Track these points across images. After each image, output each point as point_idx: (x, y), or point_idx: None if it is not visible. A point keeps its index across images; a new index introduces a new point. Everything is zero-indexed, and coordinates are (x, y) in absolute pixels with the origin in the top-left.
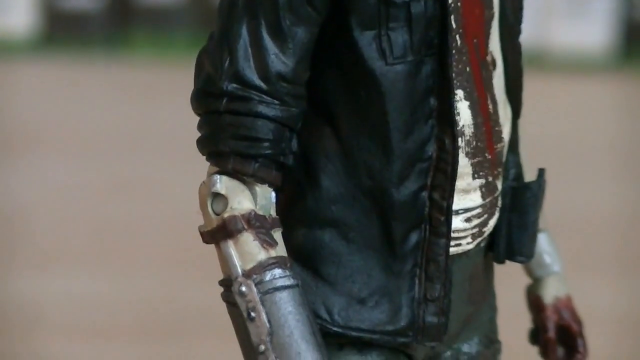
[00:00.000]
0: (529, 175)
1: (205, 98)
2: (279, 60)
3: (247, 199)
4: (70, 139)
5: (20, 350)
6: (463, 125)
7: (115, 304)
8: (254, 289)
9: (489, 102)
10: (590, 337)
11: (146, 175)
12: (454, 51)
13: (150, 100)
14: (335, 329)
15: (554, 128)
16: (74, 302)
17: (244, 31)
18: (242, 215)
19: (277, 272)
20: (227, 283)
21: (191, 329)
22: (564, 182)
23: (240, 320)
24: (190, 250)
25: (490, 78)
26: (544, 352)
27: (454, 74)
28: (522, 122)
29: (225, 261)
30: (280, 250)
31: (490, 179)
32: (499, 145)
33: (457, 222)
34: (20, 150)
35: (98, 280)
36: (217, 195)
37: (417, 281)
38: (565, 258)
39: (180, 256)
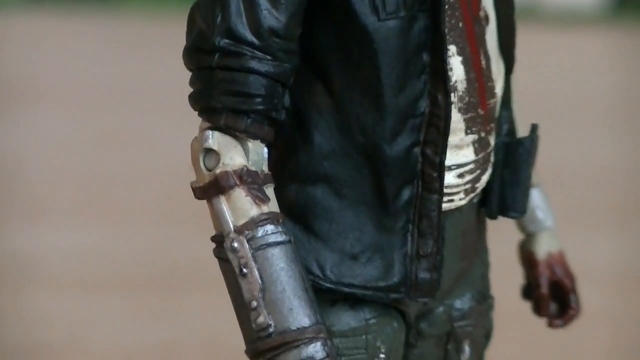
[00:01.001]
0: (522, 131)
1: (198, 54)
2: (272, 16)
3: (239, 155)
4: (63, 92)
5: (11, 302)
6: (456, 81)
7: (107, 257)
8: (246, 245)
9: (482, 57)
10: (588, 291)
11: (140, 129)
12: (446, 6)
13: (146, 55)
14: (327, 285)
15: (548, 81)
16: (66, 255)
17: None
18: (234, 171)
19: (269, 228)
20: (219, 239)
21: (182, 282)
22: (559, 136)
23: (232, 276)
24: (182, 203)
25: (483, 33)
26: (537, 307)
27: (446, 30)
28: (516, 76)
29: (217, 217)
30: (273, 206)
31: (482, 134)
32: (491, 101)
33: (449, 178)
34: (12, 103)
35: (90, 233)
36: (209, 151)
37: (409, 237)
38: (563, 212)
39: (173, 210)
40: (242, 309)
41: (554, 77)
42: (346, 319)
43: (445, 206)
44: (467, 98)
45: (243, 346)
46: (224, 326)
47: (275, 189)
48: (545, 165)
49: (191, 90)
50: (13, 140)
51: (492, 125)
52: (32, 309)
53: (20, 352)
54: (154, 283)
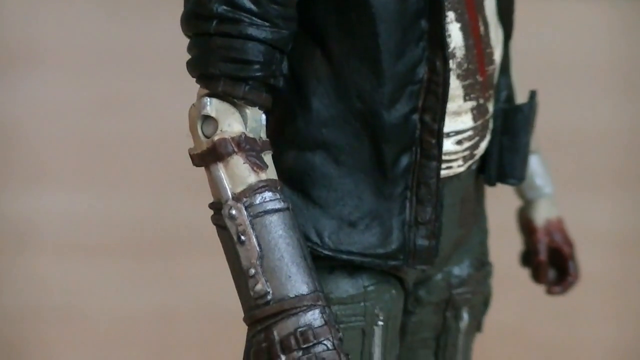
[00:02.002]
0: (521, 98)
1: (195, 20)
2: None
3: (237, 122)
4: (63, 56)
5: (8, 267)
6: (454, 48)
7: (105, 222)
8: (244, 212)
9: (480, 24)
10: (588, 255)
11: (140, 93)
12: None
13: (147, 20)
14: (325, 252)
15: (547, 47)
16: (64, 219)
17: None
18: (232, 138)
19: (268, 195)
20: (217, 206)
21: (180, 247)
22: (558, 101)
23: (230, 243)
24: (182, 167)
25: (482, 0)
26: (535, 274)
27: None
28: (515, 42)
29: (215, 184)
30: (271, 173)
31: (481, 101)
32: (490, 68)
33: (448, 145)
34: (11, 67)
35: (88, 198)
36: (207, 118)
37: (408, 204)
38: (563, 177)
39: (172, 174)
40: (240, 277)
41: (553, 42)
42: (344, 286)
43: (443, 173)
44: (465, 65)
45: (241, 311)
46: (223, 292)
47: (273, 155)
48: (544, 130)
49: (189, 56)
50: (12, 104)
51: (491, 92)
52: (29, 274)
53: (17, 317)
54: (152, 248)
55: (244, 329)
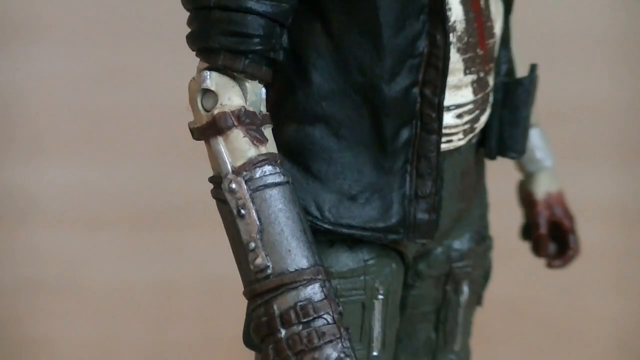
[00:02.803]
0: (521, 71)
1: None
2: None
3: (237, 95)
4: (64, 28)
5: (10, 239)
6: (454, 21)
7: (105, 194)
8: (244, 186)
9: None
10: (588, 229)
11: (140, 64)
12: None
13: None
14: (325, 226)
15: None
16: (64, 192)
17: None
18: (232, 112)
19: (267, 168)
20: (217, 180)
21: (180, 219)
22: (558, 73)
23: (230, 217)
24: (182, 139)
25: None
26: (536, 248)
27: None
28: (515, 15)
29: (215, 158)
30: (271, 146)
31: (481, 74)
32: (490, 41)
33: (448, 118)
34: (12, 39)
35: (88, 170)
36: (206, 92)
37: (408, 178)
38: (562, 149)
39: (172, 146)
40: (240, 251)
41: (553, 14)
42: (344, 260)
43: (444, 147)
44: (466, 38)
45: (241, 283)
46: (223, 264)
47: (273, 129)
48: (544, 102)
49: (189, 30)
50: (11, 76)
51: (491, 65)
52: (28, 246)
53: (16, 289)
54: (152, 220)
55: (244, 301)
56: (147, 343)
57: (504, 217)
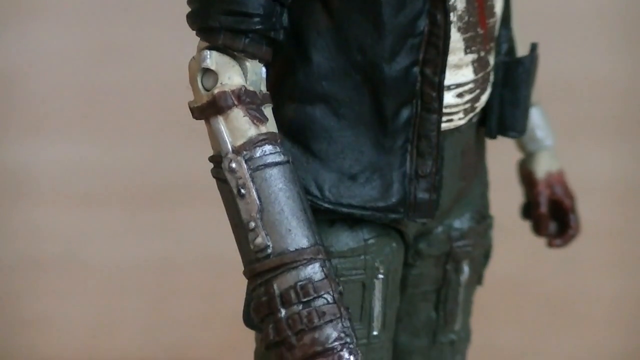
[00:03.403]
0: (522, 50)
1: None
2: None
3: (237, 75)
4: (63, 3)
5: (8, 216)
6: (455, 0)
7: (104, 171)
8: (244, 166)
9: None
10: (588, 207)
11: (140, 42)
12: None
13: None
14: (326, 205)
15: None
16: (63, 169)
17: None
18: (232, 91)
19: (268, 148)
20: (217, 159)
21: (180, 196)
22: (558, 50)
23: (230, 197)
24: (182, 117)
25: None
26: (536, 227)
27: None
28: None
29: (215, 137)
30: (271, 126)
31: (482, 54)
32: (491, 20)
33: (448, 98)
34: (11, 15)
35: (87, 147)
36: (207, 71)
37: (408, 157)
38: (563, 127)
39: (172, 123)
40: (240, 230)
41: None
42: (345, 240)
43: (444, 126)
44: (466, 17)
45: (240, 262)
46: (223, 241)
47: (273, 108)
48: (543, 80)
49: (189, 9)
50: (11, 53)
51: (492, 44)
52: (27, 223)
53: (15, 266)
54: (152, 197)
55: (243, 279)
56: (146, 321)
57: (505, 196)
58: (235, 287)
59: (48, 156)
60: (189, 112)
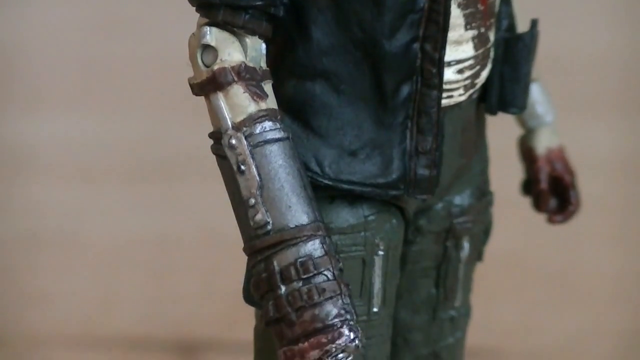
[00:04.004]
0: (522, 26)
1: None
2: None
3: (237, 51)
4: None
5: (8, 192)
6: None
7: (104, 147)
8: (244, 142)
9: None
10: (589, 181)
11: (140, 15)
12: None
13: None
14: (326, 181)
15: None
16: (62, 144)
17: None
18: (232, 67)
19: (268, 124)
20: (217, 136)
21: (180, 171)
22: (558, 25)
23: (230, 173)
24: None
25: None
26: (537, 203)
27: None
28: None
29: (214, 114)
30: (271, 102)
31: (482, 30)
32: None
33: (449, 74)
34: None
35: (88, 122)
36: (206, 47)
37: (408, 134)
38: (563, 102)
39: (173, 98)
40: (240, 207)
41: None
42: (345, 216)
43: (444, 102)
44: None
45: (240, 237)
46: (223, 217)
47: (273, 85)
48: (544, 55)
49: None
50: (10, 26)
51: (492, 20)
52: (27, 199)
53: (15, 242)
54: (152, 173)
55: (243, 254)
56: (145, 296)
57: (505, 173)
58: (235, 262)
59: (47, 131)
60: (189, 88)
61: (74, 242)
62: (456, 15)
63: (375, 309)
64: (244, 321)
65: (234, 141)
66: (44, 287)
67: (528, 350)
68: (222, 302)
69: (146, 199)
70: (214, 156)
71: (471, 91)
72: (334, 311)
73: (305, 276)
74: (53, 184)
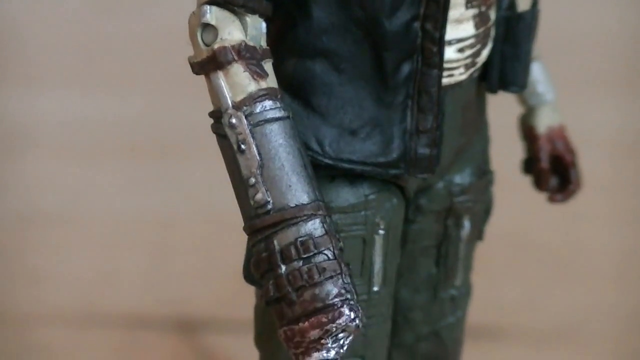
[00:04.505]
0: (523, 4)
1: None
2: None
3: (237, 30)
4: None
5: (5, 170)
6: None
7: (104, 124)
8: (244, 121)
9: None
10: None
11: None
12: None
13: None
14: (326, 160)
15: None
16: (61, 121)
17: None
18: (233, 46)
19: (268, 103)
20: (217, 115)
21: (179, 149)
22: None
23: (230, 152)
24: (181, 69)
25: None
26: (537, 182)
27: None
28: None
29: (215, 93)
30: (271, 81)
31: (483, 8)
32: None
33: (449, 53)
34: None
35: (87, 99)
36: (207, 26)
37: (409, 113)
38: (565, 79)
39: (171, 75)
40: (240, 186)
41: None
42: (345, 195)
43: (445, 81)
44: None
45: (241, 215)
46: (222, 196)
47: (273, 64)
48: (545, 32)
49: None
50: (6, 3)
51: None
52: (27, 176)
53: (17, 220)
54: (152, 151)
55: (244, 233)
56: (145, 274)
57: (505, 152)
58: (235, 241)
59: (44, 108)
60: (188, 64)
61: (72, 221)
62: None
63: (375, 288)
64: (244, 300)
65: (234, 120)
66: (41, 266)
67: (529, 328)
68: (222, 280)
69: (145, 177)
70: (214, 135)
71: (472, 70)
72: (335, 291)
73: (305, 255)
74: (50, 161)
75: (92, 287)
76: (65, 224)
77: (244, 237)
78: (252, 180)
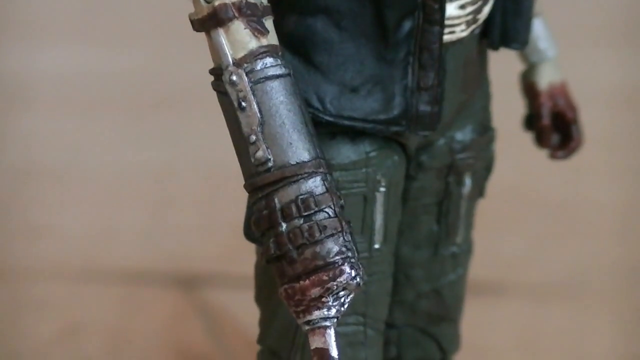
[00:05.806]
0: None
1: None
2: None
3: None
4: None
5: (5, 124)
6: None
7: (104, 77)
8: (245, 78)
9: None
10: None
11: None
12: None
13: None
14: (327, 117)
15: None
16: (61, 75)
17: None
18: (233, 3)
19: (269, 60)
20: (218, 72)
21: (181, 103)
22: None
23: (231, 110)
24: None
25: None
26: (539, 138)
27: None
28: None
29: (215, 50)
30: (272, 38)
31: None
32: None
33: (451, 9)
34: None
35: (87, 53)
36: None
37: (410, 70)
38: (566, 33)
39: (173, 30)
40: (241, 144)
41: None
42: (346, 152)
43: (446, 38)
44: None
45: (241, 171)
46: (223, 150)
47: (274, 21)
48: None
49: None
50: None
51: None
52: (27, 131)
53: (16, 175)
54: (152, 105)
55: (244, 188)
56: (145, 229)
57: (507, 108)
58: (235, 196)
59: (46, 62)
60: (188, 18)
61: (72, 175)
62: None
63: (376, 246)
64: (244, 255)
65: (234, 77)
66: (41, 220)
67: (530, 283)
68: (222, 236)
69: (145, 131)
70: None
71: (473, 27)
72: (335, 248)
73: (306, 213)
74: (50, 115)
75: (92, 242)
76: (65, 178)
77: (244, 192)
78: (253, 137)
